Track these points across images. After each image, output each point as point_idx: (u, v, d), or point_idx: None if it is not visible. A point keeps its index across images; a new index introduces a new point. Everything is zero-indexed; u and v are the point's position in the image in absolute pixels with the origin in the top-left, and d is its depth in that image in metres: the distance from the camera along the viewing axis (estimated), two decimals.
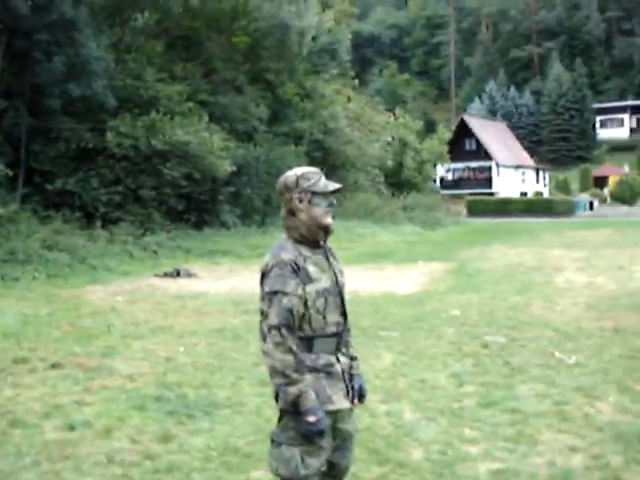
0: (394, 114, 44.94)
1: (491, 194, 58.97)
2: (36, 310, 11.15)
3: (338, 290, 3.38)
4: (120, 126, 21.02)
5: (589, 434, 5.52)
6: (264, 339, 3.14)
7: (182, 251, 19.92)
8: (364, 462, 5.00)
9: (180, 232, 21.94)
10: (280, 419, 3.25)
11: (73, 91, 20.21)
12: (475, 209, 49.13)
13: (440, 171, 60.29)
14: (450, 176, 64.39)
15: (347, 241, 24.75)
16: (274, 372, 3.11)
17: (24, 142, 20.51)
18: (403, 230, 29.69)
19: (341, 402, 3.33)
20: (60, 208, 20.03)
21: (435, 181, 56.56)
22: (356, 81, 42.73)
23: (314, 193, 3.27)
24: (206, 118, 23.21)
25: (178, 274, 15.78)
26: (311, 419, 3.08)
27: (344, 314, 3.42)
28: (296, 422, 3.12)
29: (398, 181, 41.36)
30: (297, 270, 3.19)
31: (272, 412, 5.99)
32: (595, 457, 5.04)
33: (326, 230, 3.32)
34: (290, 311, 3.13)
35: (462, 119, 68.05)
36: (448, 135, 52.57)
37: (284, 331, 3.11)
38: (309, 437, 3.11)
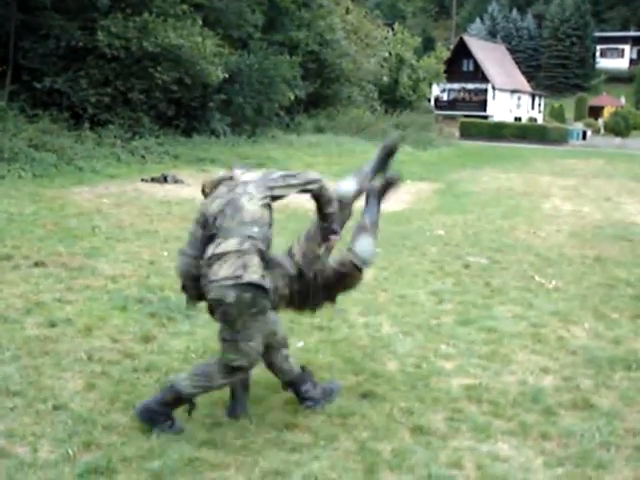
0: (393, 29, 44.00)
1: (485, 117, 58.51)
2: (21, 209, 11.10)
3: None
4: (111, 26, 20.40)
5: (562, 357, 5.63)
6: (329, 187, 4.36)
7: (170, 157, 19.75)
8: (340, 371, 5.10)
9: (169, 138, 21.68)
10: (243, 306, 3.83)
11: None
12: (468, 131, 48.76)
13: (435, 91, 59.53)
14: (445, 96, 63.63)
15: (337, 156, 24.63)
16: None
17: (13, 38, 19.99)
18: None
19: None
20: (48, 107, 19.66)
21: (429, 100, 55.85)
22: None
23: None
24: (200, 22, 22.57)
25: (165, 180, 15.68)
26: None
27: None
28: (263, 301, 3.88)
29: (392, 98, 40.83)
30: None
31: None
32: (566, 379, 5.15)
33: None
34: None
35: (461, 39, 66.85)
36: (446, 54, 51.66)
37: None
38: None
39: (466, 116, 55.15)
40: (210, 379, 4.04)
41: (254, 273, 3.85)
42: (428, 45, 62.83)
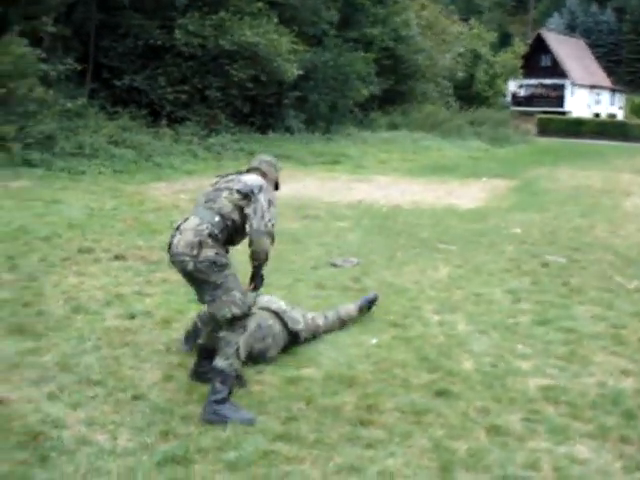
0: (468, 24, 43.46)
1: (563, 113, 57.19)
2: (101, 204, 11.40)
3: None
4: (189, 24, 20.79)
5: None
6: (265, 226, 4.36)
7: (245, 154, 19.95)
8: (414, 368, 5.07)
9: (244, 135, 21.93)
10: (212, 280, 4.30)
11: None
12: (545, 128, 47.76)
13: (512, 86, 58.48)
14: (522, 92, 62.42)
15: (412, 152, 24.48)
16: (265, 250, 4.42)
17: (93, 37, 20.53)
18: (469, 145, 29.13)
19: None
20: (127, 105, 20.15)
21: (506, 96, 54.89)
22: None
23: (276, 183, 4.83)
24: (275, 19, 22.76)
25: None
26: (263, 278, 4.61)
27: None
28: (227, 269, 4.32)
29: (468, 94, 40.32)
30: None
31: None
32: None
33: None
34: (275, 220, 4.49)
35: (539, 34, 65.47)
36: (523, 49, 50.70)
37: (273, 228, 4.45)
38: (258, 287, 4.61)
39: (543, 112, 54.03)
40: (229, 344, 4.33)
41: (209, 251, 4.30)
42: (505, 40, 61.69)
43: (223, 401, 4.22)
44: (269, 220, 4.40)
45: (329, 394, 4.56)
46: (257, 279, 4.58)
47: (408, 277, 7.71)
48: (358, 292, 6.96)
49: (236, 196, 4.44)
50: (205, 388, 4.55)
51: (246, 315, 4.39)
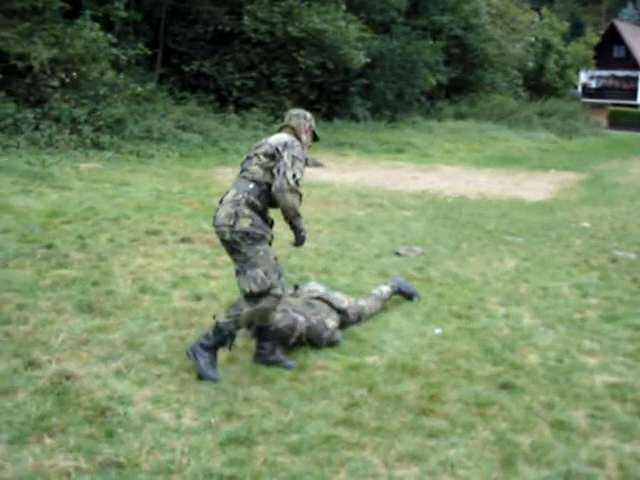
0: (540, 13, 42.54)
1: (635, 106, 55.65)
2: (169, 187, 11.57)
3: None
4: (257, 11, 20.90)
5: None
6: (287, 182, 4.44)
7: None
8: (478, 360, 5.02)
9: None
10: (243, 251, 4.51)
11: None
12: (617, 121, 46.56)
13: (583, 78, 57.13)
14: (593, 84, 60.93)
15: (479, 143, 24.17)
16: (293, 207, 4.50)
17: (163, 23, 20.81)
18: (538, 136, 28.60)
19: None
20: (195, 90, 20.41)
21: (577, 88, 53.65)
22: None
23: (313, 132, 4.91)
24: (343, 7, 22.69)
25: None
26: (305, 234, 4.71)
27: None
28: (261, 244, 4.51)
29: (538, 85, 39.54)
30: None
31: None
32: None
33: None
34: (301, 174, 4.55)
35: (612, 24, 63.66)
36: (595, 40, 49.42)
37: (298, 184, 4.51)
38: (301, 244, 4.74)
39: (615, 104, 52.66)
40: (237, 308, 4.59)
41: (245, 222, 4.50)
42: (576, 30, 60.21)
43: (205, 348, 4.53)
44: (293, 176, 4.47)
45: (392, 382, 4.55)
46: (297, 235, 4.69)
47: (473, 268, 7.63)
48: (422, 282, 6.92)
49: (263, 160, 4.58)
50: (269, 371, 4.60)
51: (263, 294, 4.52)
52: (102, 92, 15.85)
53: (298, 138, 4.75)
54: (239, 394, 4.28)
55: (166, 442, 3.71)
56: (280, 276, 4.75)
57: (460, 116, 29.26)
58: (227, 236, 4.53)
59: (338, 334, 5.23)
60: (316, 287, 5.76)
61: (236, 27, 21.01)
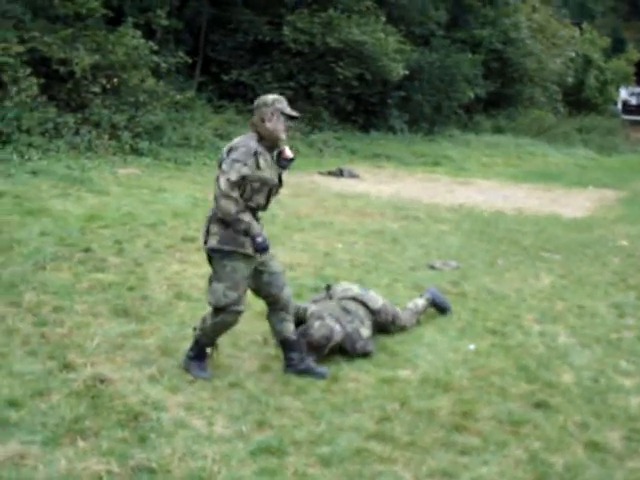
0: (581, 29, 42.18)
1: None
2: (205, 194, 11.60)
3: (274, 184, 4.67)
4: (297, 21, 20.99)
5: None
6: (219, 188, 4.43)
7: (347, 152, 20.02)
8: (512, 377, 4.97)
9: (347, 133, 21.99)
10: (213, 264, 4.60)
11: None
12: None
13: (623, 94, 56.48)
14: (634, 100, 60.13)
15: (516, 158, 23.98)
16: (227, 212, 4.43)
17: (204, 31, 21.00)
18: (576, 152, 28.29)
19: None
20: (234, 99, 20.53)
21: (616, 104, 53.06)
22: None
23: (282, 113, 4.60)
24: (383, 19, 22.70)
25: (341, 174, 15.94)
26: (259, 239, 4.51)
27: (268, 200, 4.70)
28: (229, 260, 4.49)
29: (577, 100, 39.14)
30: (255, 155, 4.50)
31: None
32: None
33: (279, 140, 4.66)
34: (244, 177, 4.44)
35: None
36: (637, 56, 48.85)
37: (235, 188, 4.43)
38: (261, 251, 4.54)
39: None
40: (205, 320, 4.71)
41: (213, 239, 4.54)
42: (618, 46, 59.50)
43: (191, 359, 4.69)
44: (227, 180, 4.41)
45: (424, 397, 4.52)
46: (251, 241, 4.54)
47: (509, 284, 7.56)
48: (457, 296, 6.88)
49: (217, 173, 4.55)
50: (301, 381, 4.60)
51: (221, 309, 4.57)
52: (142, 99, 16.01)
53: (259, 133, 4.60)
54: (271, 403, 4.28)
55: (198, 449, 3.72)
56: (278, 289, 4.76)
57: (498, 130, 29.08)
58: (205, 252, 4.68)
59: (371, 345, 5.21)
60: (350, 286, 5.80)
61: (276, 37, 21.13)
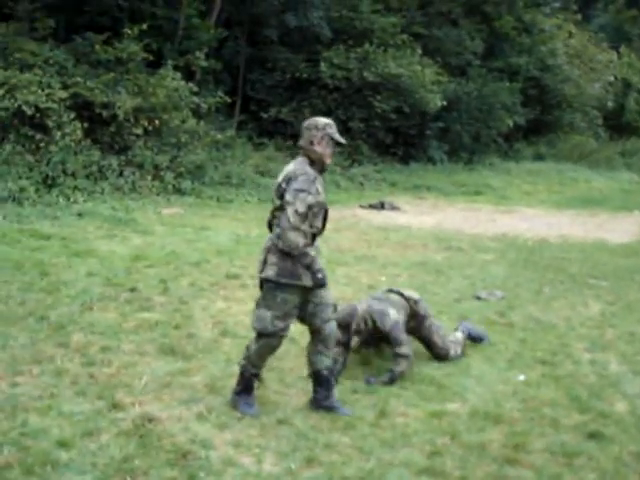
0: (618, 52, 41.86)
1: None
2: (248, 231, 11.72)
3: (327, 207, 4.66)
4: (334, 57, 21.22)
5: None
6: (288, 221, 4.35)
7: (387, 184, 20.04)
8: (564, 408, 4.88)
9: (386, 165, 22.02)
10: (264, 291, 4.59)
11: (290, 21, 20.60)
12: None
13: None
14: None
15: (558, 184, 23.77)
16: (295, 246, 4.37)
17: (242, 71, 21.32)
18: (619, 177, 27.95)
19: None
20: (273, 136, 20.73)
21: None
22: (579, 16, 40.08)
23: (331, 139, 4.64)
24: (419, 51, 22.85)
25: (382, 206, 15.94)
26: (320, 275, 4.49)
27: (324, 223, 4.65)
28: (282, 292, 4.48)
29: (618, 124, 38.72)
30: (314, 181, 4.49)
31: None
32: None
33: (325, 165, 4.66)
34: (310, 207, 4.41)
35: None
36: None
37: (304, 219, 4.39)
38: (320, 285, 4.51)
39: None
40: (247, 348, 4.74)
41: (270, 269, 4.51)
42: None
43: (238, 394, 4.70)
44: (295, 212, 4.35)
45: (475, 430, 4.46)
46: (311, 275, 4.50)
47: (556, 313, 7.44)
48: (504, 327, 6.80)
49: (277, 202, 4.54)
50: (349, 417, 4.57)
51: (265, 335, 4.59)
52: (183, 139, 16.25)
53: (309, 157, 4.60)
54: (319, 440, 4.25)
55: None
56: (321, 321, 4.71)
57: (538, 157, 28.87)
58: (259, 281, 4.68)
59: (403, 332, 5.39)
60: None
61: (313, 74, 21.35)
